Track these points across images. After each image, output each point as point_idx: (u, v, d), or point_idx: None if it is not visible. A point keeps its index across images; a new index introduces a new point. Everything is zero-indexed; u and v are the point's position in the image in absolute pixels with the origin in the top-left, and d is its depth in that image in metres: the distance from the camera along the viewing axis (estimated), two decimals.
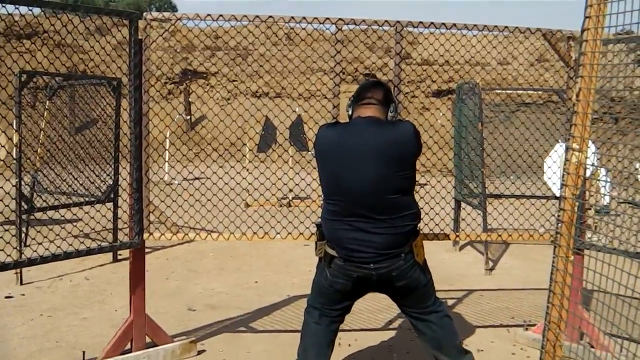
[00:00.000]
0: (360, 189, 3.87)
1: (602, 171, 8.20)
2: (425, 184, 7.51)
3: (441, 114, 15.62)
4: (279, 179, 6.29)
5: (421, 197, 5.58)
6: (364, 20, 5.30)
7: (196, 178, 6.26)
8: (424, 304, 4.17)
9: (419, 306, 4.18)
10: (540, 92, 15.28)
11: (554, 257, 2.77)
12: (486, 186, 8.38)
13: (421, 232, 4.21)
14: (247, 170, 5.92)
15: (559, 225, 2.70)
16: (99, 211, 5.84)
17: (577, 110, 2.63)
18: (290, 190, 11.93)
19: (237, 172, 5.75)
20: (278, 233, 5.25)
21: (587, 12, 2.61)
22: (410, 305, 4.20)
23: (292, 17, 5.20)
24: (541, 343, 2.83)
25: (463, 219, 9.07)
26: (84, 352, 4.99)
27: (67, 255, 4.60)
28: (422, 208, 5.44)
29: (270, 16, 5.18)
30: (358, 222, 3.91)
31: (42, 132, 8.51)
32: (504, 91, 10.43)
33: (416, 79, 20.61)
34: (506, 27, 5.42)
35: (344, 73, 21.22)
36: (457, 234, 5.73)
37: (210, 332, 5.87)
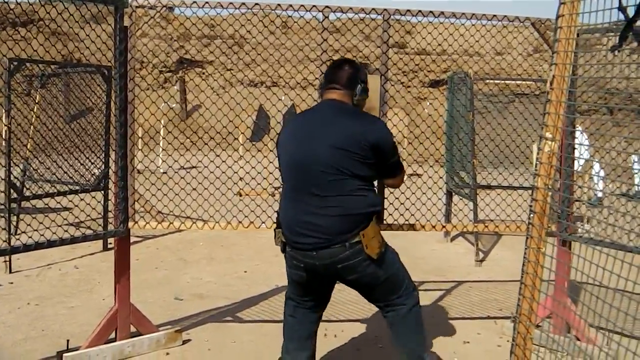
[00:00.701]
0: (314, 160, 3.77)
1: (596, 163, 8.19)
2: (413, 174, 7.50)
3: (428, 104, 15.61)
4: (265, 168, 6.25)
5: (407, 187, 5.58)
6: (351, 8, 5.25)
7: (181, 167, 6.22)
8: (388, 297, 4.02)
9: (383, 299, 4.03)
10: (537, 83, 15.24)
11: (525, 248, 2.74)
12: (476, 177, 8.34)
13: (376, 224, 3.86)
14: (235, 161, 5.86)
15: (531, 215, 2.67)
16: (82, 199, 5.81)
17: (551, 99, 2.59)
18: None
19: (223, 161, 5.72)
20: (263, 222, 5.22)
21: None
22: (373, 299, 4.09)
23: (279, 5, 5.17)
24: (512, 335, 2.81)
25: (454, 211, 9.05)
26: (67, 341, 4.97)
27: (50, 244, 4.57)
28: (408, 198, 5.46)
29: (257, 3, 5.13)
30: (305, 201, 3.80)
31: (31, 120, 8.47)
32: (493, 81, 10.42)
33: (412, 69, 20.57)
34: (495, 15, 5.40)
35: None
36: (444, 225, 5.69)
37: (196, 321, 5.85)
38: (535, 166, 2.72)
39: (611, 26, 4.49)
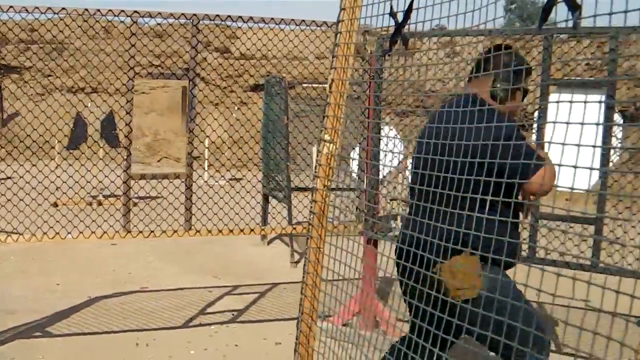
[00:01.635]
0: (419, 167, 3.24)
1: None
2: (232, 179, 7.49)
3: (236, 108, 15.76)
4: (83, 177, 6.04)
5: (226, 192, 5.59)
6: (159, 13, 5.24)
7: None
8: None
9: None
10: (353, 86, 15.68)
11: (306, 249, 2.79)
12: (291, 180, 8.39)
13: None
14: (51, 170, 5.66)
15: (311, 216, 2.72)
16: None
17: (329, 102, 2.66)
18: (103, 188, 11.61)
19: (39, 170, 5.51)
20: (69, 233, 5.08)
21: (342, 4, 2.65)
22: None
23: (98, 10, 5.07)
24: (295, 334, 2.87)
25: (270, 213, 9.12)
26: None
27: None
28: (227, 203, 5.48)
29: (64, 8, 5.01)
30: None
31: None
32: (312, 85, 10.58)
33: (233, 74, 20.57)
34: (314, 21, 5.64)
35: (162, 67, 21.00)
36: (263, 227, 5.75)
37: (3, 339, 5.55)
38: (315, 168, 2.77)
39: (428, 31, 4.66)
